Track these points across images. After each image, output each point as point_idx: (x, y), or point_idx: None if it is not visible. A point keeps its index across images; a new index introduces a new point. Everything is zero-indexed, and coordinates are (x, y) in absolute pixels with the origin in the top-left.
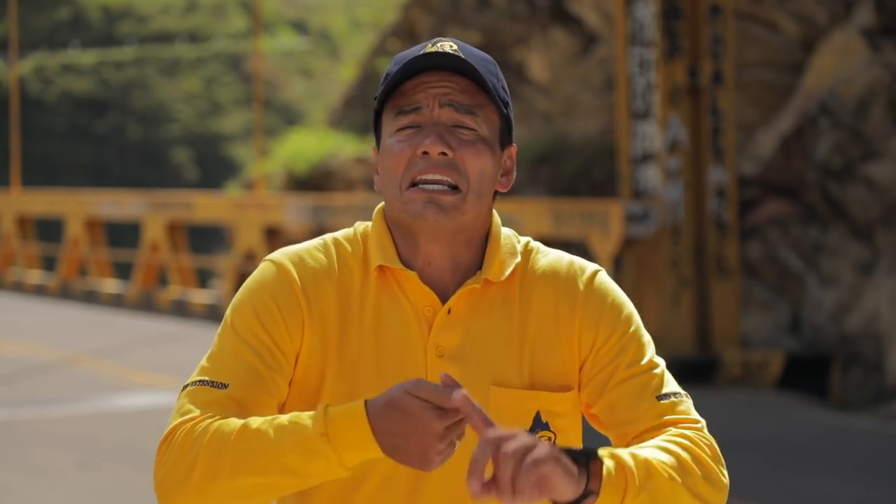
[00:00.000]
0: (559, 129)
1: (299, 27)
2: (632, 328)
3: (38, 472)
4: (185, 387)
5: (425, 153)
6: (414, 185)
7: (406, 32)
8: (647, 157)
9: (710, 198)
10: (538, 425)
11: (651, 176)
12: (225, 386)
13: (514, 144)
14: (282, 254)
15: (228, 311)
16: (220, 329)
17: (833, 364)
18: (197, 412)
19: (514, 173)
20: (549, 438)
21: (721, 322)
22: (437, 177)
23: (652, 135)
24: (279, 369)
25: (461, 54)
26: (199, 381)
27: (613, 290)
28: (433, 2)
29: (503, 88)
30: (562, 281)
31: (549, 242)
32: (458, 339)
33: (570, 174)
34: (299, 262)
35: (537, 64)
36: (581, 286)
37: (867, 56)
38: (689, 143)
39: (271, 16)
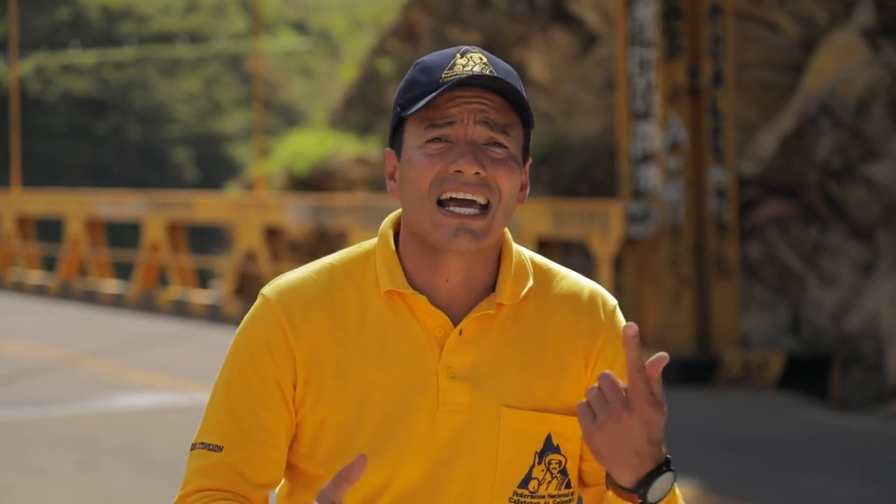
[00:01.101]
0: (559, 129)
1: (299, 27)
2: None
3: (38, 472)
4: (193, 445)
5: (458, 171)
6: (441, 202)
7: (406, 32)
8: (647, 157)
9: (710, 198)
10: (549, 448)
11: (651, 176)
12: (220, 448)
13: (530, 158)
14: (274, 287)
15: (227, 355)
16: (218, 374)
17: (833, 364)
18: (192, 485)
19: (529, 187)
20: (560, 462)
21: (721, 322)
22: (469, 196)
23: (652, 135)
24: (273, 418)
25: (494, 70)
26: (200, 444)
27: None
28: (433, 2)
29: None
30: (584, 307)
31: (549, 242)
32: (470, 360)
33: (570, 174)
34: (290, 294)
35: (537, 64)
36: (604, 317)
37: (867, 56)
38: (689, 143)
39: (271, 16)
